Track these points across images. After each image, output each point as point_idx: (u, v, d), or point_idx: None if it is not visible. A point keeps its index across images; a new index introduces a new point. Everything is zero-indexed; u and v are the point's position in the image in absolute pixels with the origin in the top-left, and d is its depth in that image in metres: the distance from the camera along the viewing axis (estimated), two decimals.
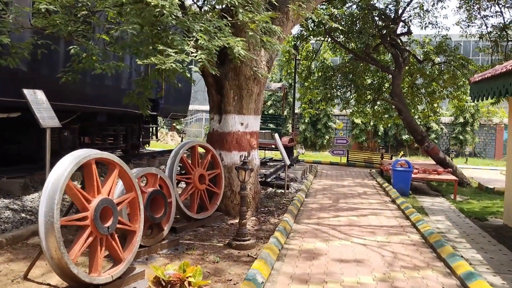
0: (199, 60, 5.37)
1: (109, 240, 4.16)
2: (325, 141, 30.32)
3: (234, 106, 7.63)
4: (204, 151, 7.27)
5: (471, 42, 29.28)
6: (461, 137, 28.62)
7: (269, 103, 31.04)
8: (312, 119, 30.54)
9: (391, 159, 19.05)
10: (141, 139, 11.62)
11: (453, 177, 12.79)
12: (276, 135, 9.52)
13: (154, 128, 12.51)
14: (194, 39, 5.53)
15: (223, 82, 7.59)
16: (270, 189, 10.28)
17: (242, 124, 7.67)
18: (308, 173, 14.35)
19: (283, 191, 10.22)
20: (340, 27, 12.67)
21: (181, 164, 6.73)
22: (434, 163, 15.06)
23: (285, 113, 29.58)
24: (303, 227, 7.30)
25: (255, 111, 7.86)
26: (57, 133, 8.39)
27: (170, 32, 5.67)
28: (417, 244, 6.57)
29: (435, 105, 19.17)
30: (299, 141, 30.63)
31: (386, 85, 19.05)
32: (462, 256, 5.89)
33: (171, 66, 5.13)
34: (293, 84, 20.35)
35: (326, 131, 30.37)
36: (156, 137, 12.58)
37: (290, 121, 30.34)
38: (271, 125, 14.91)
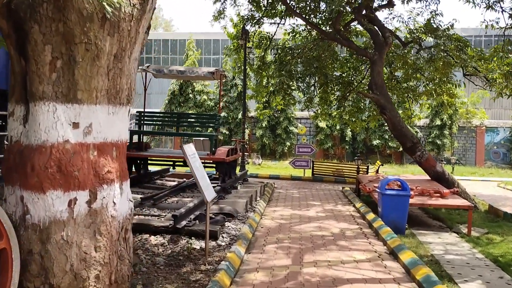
0: None
1: None
2: (286, 148, 26.25)
3: (54, 83, 3.22)
4: None
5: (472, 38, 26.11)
6: (438, 141, 25.21)
7: (220, 104, 26.59)
8: (270, 123, 26.40)
9: (367, 171, 15.09)
10: None
11: (466, 203, 8.83)
12: (187, 147, 5.16)
13: None
14: None
15: (29, 26, 3.17)
16: (183, 242, 5.88)
17: (75, 125, 3.26)
18: (259, 197, 10.03)
19: (212, 242, 5.88)
20: None
21: None
22: (429, 178, 11.13)
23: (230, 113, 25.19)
24: None
25: (112, 96, 3.47)
26: None
27: None
28: None
29: (420, 102, 15.41)
30: (256, 149, 26.39)
31: (358, 78, 15.16)
32: None
33: None
34: (243, 78, 16.09)
35: (287, 137, 26.31)
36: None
37: (245, 126, 26.07)
38: (223, 129, 10.40)
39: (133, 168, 10.08)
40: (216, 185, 9.02)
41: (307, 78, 12.34)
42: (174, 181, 10.92)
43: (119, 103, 3.51)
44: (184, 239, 6.00)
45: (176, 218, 5.94)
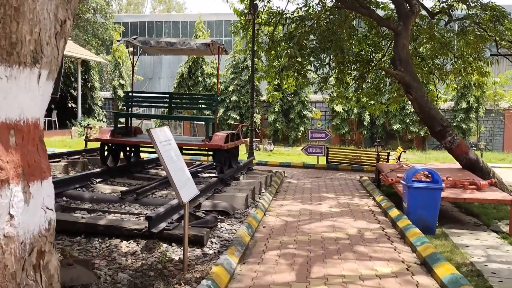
0: None
1: None
2: (300, 133, 24.93)
3: None
4: None
5: None
6: (464, 125, 23.52)
7: (231, 88, 25.36)
8: (283, 107, 25.05)
9: (388, 158, 13.72)
10: None
11: (508, 197, 7.45)
12: (158, 131, 3.94)
13: None
14: None
15: None
16: (160, 250, 4.69)
17: None
18: (264, 189, 8.80)
19: (197, 250, 4.71)
20: None
21: None
22: (459, 167, 9.76)
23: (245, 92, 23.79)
24: None
25: (4, 51, 2.24)
26: None
27: None
28: None
29: (447, 82, 13.88)
30: (268, 135, 25.13)
31: (378, 55, 13.74)
32: None
33: None
34: (251, 57, 14.77)
35: (301, 122, 24.96)
36: None
37: (257, 110, 24.82)
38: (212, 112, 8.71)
39: (122, 155, 8.97)
40: (212, 176, 7.83)
41: (322, 55, 10.93)
42: None
43: (17, 63, 2.28)
44: (163, 246, 4.83)
45: (151, 220, 4.75)
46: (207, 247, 4.92)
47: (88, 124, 18.54)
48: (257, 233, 6.03)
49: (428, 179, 7.32)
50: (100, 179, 7.67)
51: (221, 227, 5.71)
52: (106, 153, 8.24)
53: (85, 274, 3.82)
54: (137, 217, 5.63)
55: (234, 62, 25.98)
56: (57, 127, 22.81)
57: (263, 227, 6.38)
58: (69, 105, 24.35)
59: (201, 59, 25.84)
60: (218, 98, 8.56)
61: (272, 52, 13.61)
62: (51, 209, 2.59)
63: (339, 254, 5.24)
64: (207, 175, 9.30)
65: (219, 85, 7.92)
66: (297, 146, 23.93)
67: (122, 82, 27.16)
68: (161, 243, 4.87)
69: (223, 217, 6.10)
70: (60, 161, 9.83)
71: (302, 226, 6.52)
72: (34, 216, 2.43)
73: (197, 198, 6.38)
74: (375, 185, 10.44)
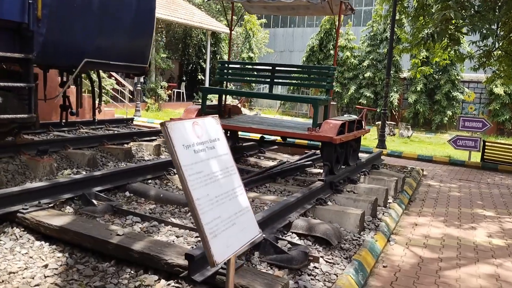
0: None
1: None
2: (446, 118, 21.21)
3: None
4: None
5: None
6: None
7: (365, 62, 22.55)
8: (427, 87, 21.50)
9: None
10: None
11: None
12: (183, 126, 2.16)
13: (27, 89, 5.46)
14: None
15: None
16: None
17: None
18: (391, 198, 6.52)
19: None
20: None
21: None
22: None
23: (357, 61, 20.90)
24: None
25: None
26: None
27: None
28: None
29: None
30: (407, 118, 21.90)
31: None
32: None
33: None
34: (391, 23, 12.16)
35: (449, 104, 21.20)
36: (31, 111, 5.58)
37: (394, 89, 21.72)
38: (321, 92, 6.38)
39: None
40: (317, 179, 5.82)
41: (490, 15, 7.90)
42: (274, 159, 8.01)
43: None
44: None
45: (193, 261, 3.04)
46: None
47: (198, 98, 17.62)
48: (372, 279, 3.95)
49: None
50: None
51: (314, 267, 3.76)
52: None
53: None
54: (196, 238, 4.00)
55: (372, 33, 23.05)
56: (185, 99, 22.82)
57: (383, 266, 4.26)
58: (199, 77, 24.18)
59: (334, 30, 23.43)
60: (335, 72, 6.41)
61: (420, 18, 10.97)
62: None
63: None
64: (317, 170, 7.32)
65: (336, 52, 5.61)
66: (441, 133, 20.38)
67: (251, 55, 26.17)
68: None
69: (321, 248, 4.13)
70: (155, 139, 8.80)
71: (445, 272, 4.23)
72: None
73: (287, 213, 4.50)
74: None
